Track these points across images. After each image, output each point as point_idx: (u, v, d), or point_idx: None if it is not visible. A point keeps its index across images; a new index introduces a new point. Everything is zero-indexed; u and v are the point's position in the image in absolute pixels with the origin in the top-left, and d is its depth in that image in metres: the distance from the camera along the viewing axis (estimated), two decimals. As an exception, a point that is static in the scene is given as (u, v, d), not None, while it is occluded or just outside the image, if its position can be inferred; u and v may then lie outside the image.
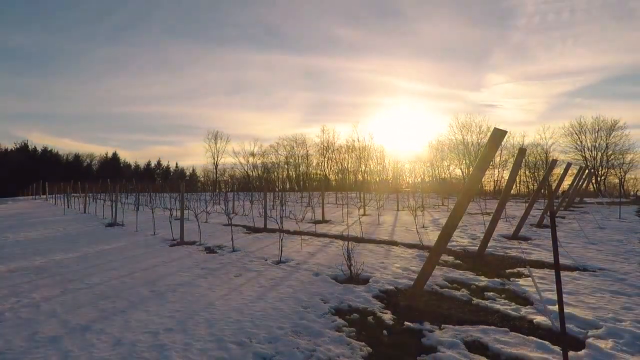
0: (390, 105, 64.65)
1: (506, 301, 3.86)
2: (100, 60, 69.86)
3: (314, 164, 54.18)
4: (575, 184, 15.18)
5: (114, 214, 11.81)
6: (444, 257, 5.86)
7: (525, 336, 2.97)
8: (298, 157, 54.27)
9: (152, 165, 70.68)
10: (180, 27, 64.47)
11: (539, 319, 3.32)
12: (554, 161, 9.27)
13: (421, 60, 61.62)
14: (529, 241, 7.42)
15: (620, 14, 48.27)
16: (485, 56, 58.06)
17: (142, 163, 71.03)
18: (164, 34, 65.31)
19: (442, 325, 3.23)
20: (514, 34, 54.28)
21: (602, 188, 37.34)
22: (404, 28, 58.70)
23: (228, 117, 71.86)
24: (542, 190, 10.68)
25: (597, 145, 39.83)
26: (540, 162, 40.65)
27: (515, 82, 55.44)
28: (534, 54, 54.63)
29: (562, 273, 4.65)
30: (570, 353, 2.64)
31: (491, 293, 4.11)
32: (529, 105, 57.70)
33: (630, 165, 38.80)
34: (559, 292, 2.34)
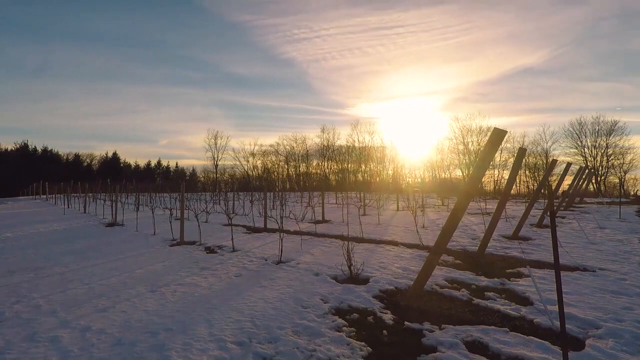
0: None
1: (506, 301, 3.86)
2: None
3: (314, 164, 54.23)
4: (575, 184, 15.19)
5: (114, 214, 11.81)
6: (444, 257, 5.86)
7: (525, 336, 2.97)
8: (298, 157, 54.32)
9: (152, 165, 70.72)
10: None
11: (539, 319, 3.32)
12: (554, 161, 9.28)
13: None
14: (529, 241, 7.42)
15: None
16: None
17: (142, 163, 71.18)
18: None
19: (442, 325, 3.23)
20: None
21: (602, 188, 37.34)
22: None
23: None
24: (542, 190, 10.68)
25: (597, 145, 39.88)
26: (541, 163, 40.67)
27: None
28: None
29: (562, 273, 4.65)
30: (570, 353, 2.64)
31: (491, 293, 4.11)
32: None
33: (630, 165, 38.84)
34: (559, 292, 2.34)
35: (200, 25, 71.13)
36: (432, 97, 66.96)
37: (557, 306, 2.54)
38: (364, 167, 49.74)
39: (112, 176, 35.36)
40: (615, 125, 38.49)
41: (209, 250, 6.91)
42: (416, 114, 63.46)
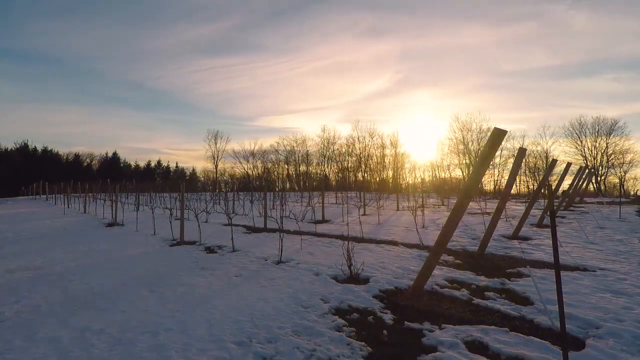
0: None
1: (506, 301, 3.86)
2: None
3: (314, 164, 54.21)
4: (575, 183, 15.18)
5: (114, 214, 11.81)
6: (444, 257, 5.86)
7: (525, 336, 2.97)
8: (298, 156, 54.32)
9: (152, 165, 70.70)
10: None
11: (539, 319, 3.32)
12: (554, 161, 9.27)
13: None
14: (529, 241, 7.42)
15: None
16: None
17: (142, 163, 71.22)
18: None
19: (442, 325, 3.23)
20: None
21: (602, 188, 37.33)
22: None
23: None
24: (542, 190, 10.68)
25: (597, 145, 39.89)
26: (541, 163, 40.66)
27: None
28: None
29: (562, 273, 4.65)
30: (570, 353, 2.64)
31: (491, 293, 4.11)
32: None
33: (630, 165, 38.86)
34: (559, 292, 2.34)
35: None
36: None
37: (557, 306, 2.54)
38: (364, 166, 49.76)
39: (112, 176, 35.40)
40: (615, 125, 38.55)
41: (209, 250, 6.91)
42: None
